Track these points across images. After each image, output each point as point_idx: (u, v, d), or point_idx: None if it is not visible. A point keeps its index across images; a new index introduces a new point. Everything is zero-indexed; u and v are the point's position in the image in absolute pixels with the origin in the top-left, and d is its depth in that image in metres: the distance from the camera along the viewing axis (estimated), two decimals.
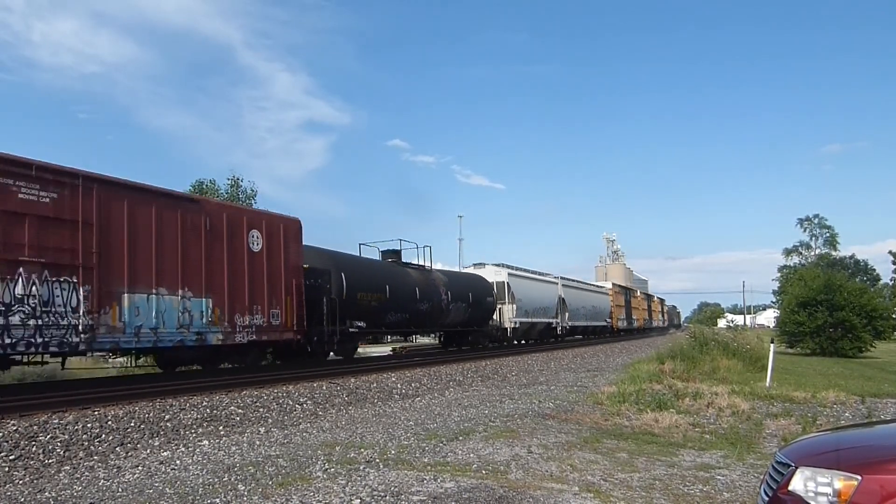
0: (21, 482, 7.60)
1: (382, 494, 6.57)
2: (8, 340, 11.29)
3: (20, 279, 11.53)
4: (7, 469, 7.96)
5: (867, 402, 13.57)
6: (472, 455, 8.47)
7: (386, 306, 22.98)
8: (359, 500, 6.36)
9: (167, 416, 10.91)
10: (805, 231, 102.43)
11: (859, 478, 3.84)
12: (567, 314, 42.79)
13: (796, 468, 4.17)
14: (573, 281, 46.56)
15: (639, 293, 72.38)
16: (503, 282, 34.16)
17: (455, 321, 28.83)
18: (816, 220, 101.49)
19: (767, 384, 16.37)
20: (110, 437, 9.55)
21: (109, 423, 10.15)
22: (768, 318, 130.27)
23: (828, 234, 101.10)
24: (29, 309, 11.61)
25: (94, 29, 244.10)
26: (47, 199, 12.11)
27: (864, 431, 5.48)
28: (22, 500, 6.84)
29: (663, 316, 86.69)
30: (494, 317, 33.07)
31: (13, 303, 11.39)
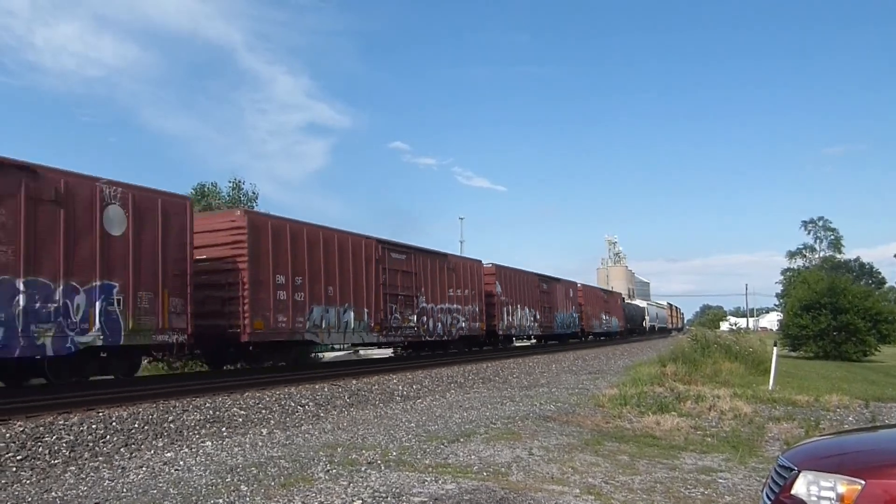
0: (28, 482, 7.66)
1: (384, 495, 6.61)
2: None
3: None
4: (14, 469, 8.02)
5: (871, 407, 13.57)
6: (473, 457, 8.51)
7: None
8: (360, 501, 6.41)
9: (170, 418, 10.97)
10: (809, 234, 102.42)
11: (863, 482, 3.82)
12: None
13: (799, 472, 4.16)
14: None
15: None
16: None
17: None
18: (821, 223, 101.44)
19: (770, 387, 16.39)
20: (115, 438, 9.60)
21: (114, 424, 10.21)
22: (771, 321, 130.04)
23: (832, 237, 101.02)
24: None
25: (96, 32, 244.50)
26: None
27: (868, 436, 5.48)
28: (29, 499, 6.90)
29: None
30: None
31: None
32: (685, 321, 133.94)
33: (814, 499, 3.99)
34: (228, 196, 36.94)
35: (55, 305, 12.36)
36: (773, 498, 4.34)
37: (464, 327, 28.41)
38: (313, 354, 28.45)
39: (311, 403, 13.39)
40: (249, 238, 16.89)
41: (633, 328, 69.84)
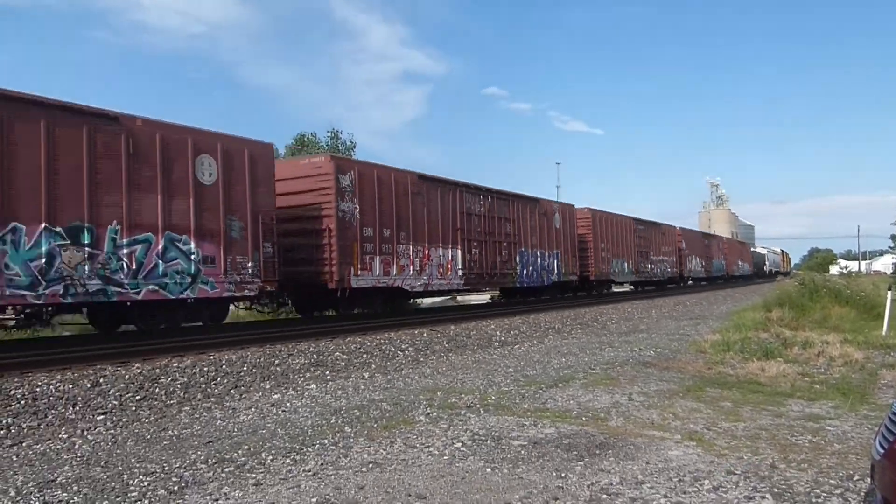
0: (147, 421, 8.13)
1: (483, 439, 6.70)
2: None
3: None
4: (134, 409, 8.52)
5: None
6: (571, 402, 8.51)
7: None
8: (460, 444, 6.51)
9: (276, 361, 11.38)
10: None
11: None
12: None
13: None
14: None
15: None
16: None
17: None
18: None
19: (884, 332, 15.68)
20: (225, 381, 10.05)
21: (224, 367, 10.68)
22: (885, 264, 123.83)
23: None
24: None
25: None
26: None
27: None
28: (148, 437, 7.32)
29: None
30: None
31: None
32: (792, 265, 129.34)
33: None
34: (327, 145, 37.52)
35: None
36: (886, 447, 4.12)
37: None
38: (411, 301, 28.87)
39: (410, 348, 13.65)
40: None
41: (757, 272, 75.08)
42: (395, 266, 18.62)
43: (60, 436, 7.43)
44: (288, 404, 8.90)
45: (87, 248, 11.48)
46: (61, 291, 11.08)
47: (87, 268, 11.44)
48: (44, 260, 10.88)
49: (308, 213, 17.12)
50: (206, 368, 10.45)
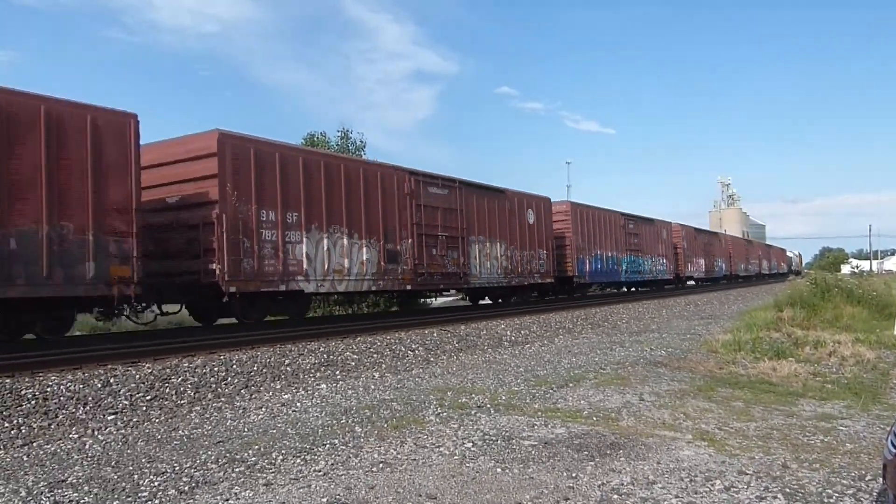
0: (157, 420, 8.15)
1: (494, 439, 6.69)
2: None
3: None
4: (145, 409, 8.54)
5: None
6: (582, 402, 8.48)
7: None
8: (471, 444, 6.50)
9: (287, 361, 11.39)
10: None
11: None
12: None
13: None
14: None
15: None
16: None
17: None
18: None
19: (895, 332, 15.59)
20: (235, 380, 10.07)
21: (234, 366, 10.70)
22: None
23: None
24: None
25: None
26: None
27: None
28: (159, 437, 7.34)
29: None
30: None
31: None
32: (803, 264, 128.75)
33: None
34: (337, 145, 37.56)
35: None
36: None
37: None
38: (422, 301, 28.88)
39: (420, 348, 13.64)
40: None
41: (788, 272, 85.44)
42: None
43: (71, 436, 7.45)
44: (298, 404, 8.91)
45: None
46: None
47: None
48: None
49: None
50: (216, 368, 10.47)
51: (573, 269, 28.42)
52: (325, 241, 15.96)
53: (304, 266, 15.34)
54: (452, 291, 25.56)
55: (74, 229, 11.16)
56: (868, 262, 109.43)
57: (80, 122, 11.33)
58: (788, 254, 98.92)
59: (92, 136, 11.44)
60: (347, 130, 38.85)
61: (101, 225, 11.52)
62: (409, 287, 19.40)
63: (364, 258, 17.17)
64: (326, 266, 15.96)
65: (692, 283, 49.14)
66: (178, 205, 14.36)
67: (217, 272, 13.40)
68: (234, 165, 13.96)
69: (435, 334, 15.35)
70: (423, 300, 28.47)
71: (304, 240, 15.40)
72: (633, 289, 39.00)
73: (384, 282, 18.12)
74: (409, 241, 18.76)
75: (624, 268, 33.71)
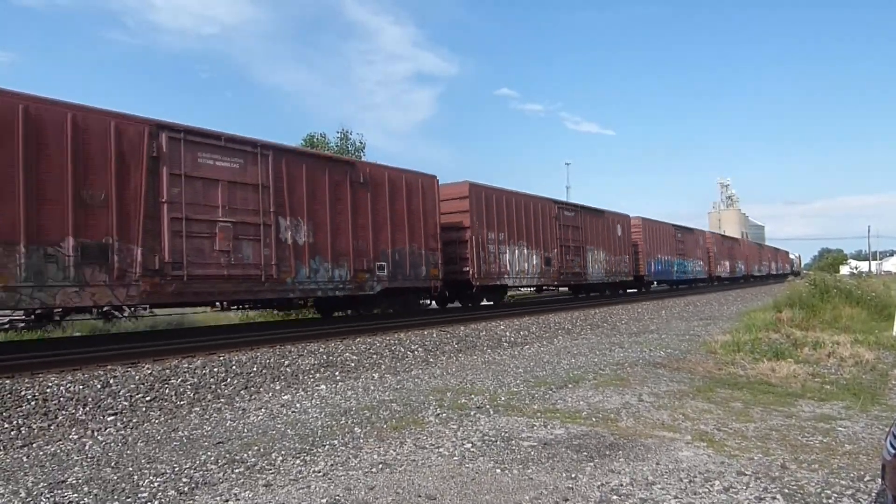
0: (157, 421, 8.16)
1: (493, 439, 6.69)
2: None
3: None
4: (144, 409, 8.55)
5: None
6: (581, 402, 8.49)
7: None
8: (470, 444, 6.51)
9: (286, 362, 11.40)
10: None
11: None
12: None
13: None
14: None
15: None
16: None
17: None
18: None
19: (895, 333, 15.60)
20: (235, 381, 10.08)
21: (234, 367, 10.70)
22: None
23: None
24: None
25: None
26: None
27: None
28: (158, 437, 7.35)
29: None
30: None
31: None
32: (802, 265, 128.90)
33: None
34: (337, 146, 37.63)
35: None
36: None
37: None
38: (421, 302, 28.81)
39: (420, 349, 13.64)
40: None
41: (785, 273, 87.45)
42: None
43: (71, 437, 7.46)
44: (298, 405, 8.92)
45: None
46: None
47: None
48: None
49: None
50: (216, 369, 10.47)
51: (645, 269, 35.74)
52: (517, 251, 23.16)
53: (507, 269, 22.65)
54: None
55: (417, 247, 18.45)
56: (867, 262, 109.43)
57: (418, 183, 18.68)
58: (790, 256, 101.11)
59: (423, 192, 18.82)
60: (347, 132, 39.01)
61: (427, 244, 18.77)
62: (555, 283, 26.50)
63: (534, 262, 24.23)
64: (517, 269, 23.19)
65: (716, 283, 53.71)
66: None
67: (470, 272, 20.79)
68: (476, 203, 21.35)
69: (434, 335, 15.35)
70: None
71: (507, 251, 22.63)
72: (681, 286, 45.53)
73: (544, 279, 25.15)
74: (556, 250, 25.74)
75: (675, 269, 41.40)
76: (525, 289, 30.82)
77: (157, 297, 12.28)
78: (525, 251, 23.59)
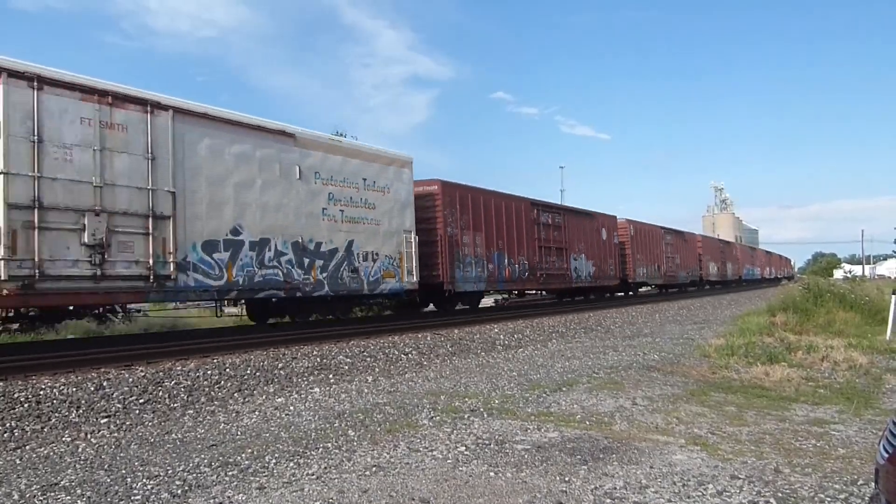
0: (150, 424, 8.13)
1: (487, 443, 6.69)
2: None
3: None
4: (138, 412, 8.53)
5: None
6: (575, 406, 8.49)
7: None
8: (464, 448, 6.51)
9: (280, 365, 11.38)
10: None
11: None
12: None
13: None
14: None
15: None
16: None
17: None
18: None
19: (888, 337, 15.64)
20: (228, 384, 10.06)
21: (227, 370, 10.68)
22: (890, 268, 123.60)
23: None
24: None
25: None
26: None
27: None
28: (152, 440, 7.33)
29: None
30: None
31: None
32: (795, 269, 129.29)
33: None
34: None
35: None
36: (890, 451, 4.09)
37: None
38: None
39: (414, 352, 13.64)
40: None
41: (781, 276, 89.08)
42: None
43: (64, 439, 7.43)
44: (291, 408, 8.90)
45: None
46: None
47: None
48: None
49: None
50: (209, 372, 10.45)
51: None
52: (494, 254, 22.16)
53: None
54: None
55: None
56: (861, 267, 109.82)
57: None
58: (784, 259, 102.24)
59: None
60: (341, 134, 39.15)
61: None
62: (536, 287, 26.26)
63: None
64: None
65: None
66: None
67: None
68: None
69: (428, 338, 15.35)
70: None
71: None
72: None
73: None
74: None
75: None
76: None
77: (536, 286, 23.46)
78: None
